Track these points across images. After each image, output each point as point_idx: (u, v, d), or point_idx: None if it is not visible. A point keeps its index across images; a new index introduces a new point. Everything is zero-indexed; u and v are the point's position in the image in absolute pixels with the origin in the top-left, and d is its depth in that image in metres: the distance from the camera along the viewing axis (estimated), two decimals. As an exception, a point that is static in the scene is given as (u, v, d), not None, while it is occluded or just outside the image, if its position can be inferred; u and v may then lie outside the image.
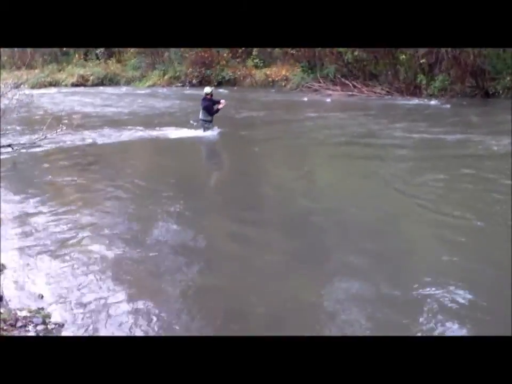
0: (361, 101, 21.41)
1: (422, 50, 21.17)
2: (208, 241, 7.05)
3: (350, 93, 22.71)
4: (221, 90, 28.64)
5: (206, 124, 14.11)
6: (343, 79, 23.94)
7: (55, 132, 8.04)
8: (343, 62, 25.05)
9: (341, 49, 24.08)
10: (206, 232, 7.29)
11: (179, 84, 33.30)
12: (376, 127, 14.70)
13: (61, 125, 8.49)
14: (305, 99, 22.76)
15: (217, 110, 14.03)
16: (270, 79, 30.46)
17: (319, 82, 25.23)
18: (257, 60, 31.79)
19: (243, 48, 32.32)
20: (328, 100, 22.18)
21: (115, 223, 7.69)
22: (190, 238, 7.04)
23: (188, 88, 31.75)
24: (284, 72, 30.20)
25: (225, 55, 32.53)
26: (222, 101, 14.07)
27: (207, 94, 14.01)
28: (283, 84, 29.39)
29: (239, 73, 31.80)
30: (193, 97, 25.95)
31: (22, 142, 7.58)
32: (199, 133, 14.25)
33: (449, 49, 20.50)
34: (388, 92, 22.60)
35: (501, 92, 20.22)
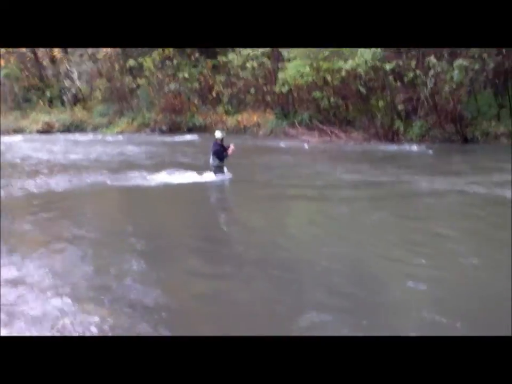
0: (339, 147, 21.02)
1: (399, 97, 21.09)
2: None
3: (328, 138, 22.34)
4: (189, 136, 28.18)
5: (216, 168, 13.65)
6: (320, 125, 23.60)
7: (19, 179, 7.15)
8: (318, 108, 24.85)
9: (317, 96, 23.85)
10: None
11: (148, 131, 32.64)
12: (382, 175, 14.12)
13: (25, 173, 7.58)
14: (282, 145, 22.27)
15: (227, 155, 13.64)
16: (241, 125, 30.14)
17: (294, 128, 24.85)
18: (228, 106, 31.46)
19: (214, 95, 32.10)
20: (305, 145, 21.72)
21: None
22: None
23: (157, 134, 31.09)
24: (255, 119, 29.94)
25: (195, 102, 32.12)
26: (231, 146, 13.68)
27: (217, 139, 13.65)
28: (255, 130, 29.08)
29: (210, 119, 31.37)
30: (166, 144, 25.41)
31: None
32: (210, 177, 13.72)
33: (427, 95, 20.47)
34: (365, 137, 22.33)
35: (479, 137, 20.23)
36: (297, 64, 23.58)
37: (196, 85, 32.34)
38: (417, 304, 5.55)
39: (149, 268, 7.01)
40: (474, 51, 19.46)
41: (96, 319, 5.30)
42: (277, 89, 25.47)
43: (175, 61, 32.78)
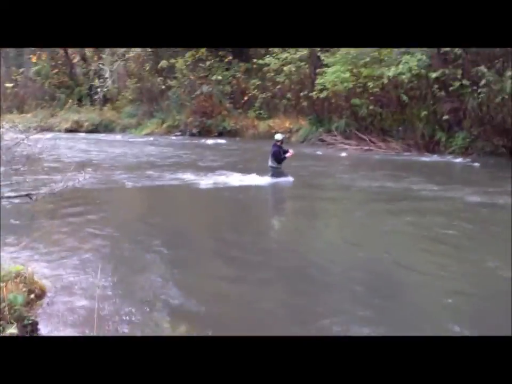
0: (379, 157, 20.23)
1: (443, 107, 20.24)
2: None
3: (367, 147, 21.57)
4: (222, 141, 27.56)
5: (274, 170, 13.79)
6: (358, 134, 22.82)
7: (77, 180, 6.60)
8: (355, 116, 24.11)
9: (356, 103, 23.09)
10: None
11: (178, 133, 32.13)
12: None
13: (84, 173, 7.07)
14: (319, 152, 21.55)
15: (285, 158, 13.75)
16: (273, 130, 29.48)
17: (331, 135, 24.09)
18: (260, 111, 30.84)
19: (246, 99, 31.52)
20: (343, 154, 20.95)
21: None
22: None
23: (187, 137, 30.57)
24: (287, 124, 29.28)
25: (227, 105, 31.55)
26: (290, 150, 13.92)
27: (277, 141, 13.81)
28: (287, 136, 28.41)
29: (241, 124, 30.77)
30: (202, 146, 24.95)
31: (41, 192, 6.12)
32: (267, 179, 13.80)
33: (474, 106, 19.61)
34: (404, 148, 21.53)
35: (527, 152, 19.31)
36: (337, 70, 22.86)
37: (228, 88, 31.80)
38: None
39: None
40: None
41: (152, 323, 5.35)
42: (314, 94, 24.71)
43: (207, 63, 32.31)
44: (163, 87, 34.67)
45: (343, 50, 23.29)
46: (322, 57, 25.01)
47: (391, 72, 20.85)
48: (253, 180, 13.87)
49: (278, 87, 28.64)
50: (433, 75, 20.00)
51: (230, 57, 32.46)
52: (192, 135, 31.08)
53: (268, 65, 28.42)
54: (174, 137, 31.14)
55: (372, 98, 22.70)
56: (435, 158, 19.50)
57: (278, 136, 13.97)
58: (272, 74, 28.72)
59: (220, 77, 31.42)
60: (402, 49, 21.54)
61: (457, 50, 19.95)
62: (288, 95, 28.43)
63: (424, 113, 21.10)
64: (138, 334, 5.05)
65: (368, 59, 22.49)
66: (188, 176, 14.84)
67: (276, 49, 28.13)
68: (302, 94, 27.04)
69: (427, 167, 17.35)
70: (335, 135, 23.52)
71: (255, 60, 30.13)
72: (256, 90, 30.33)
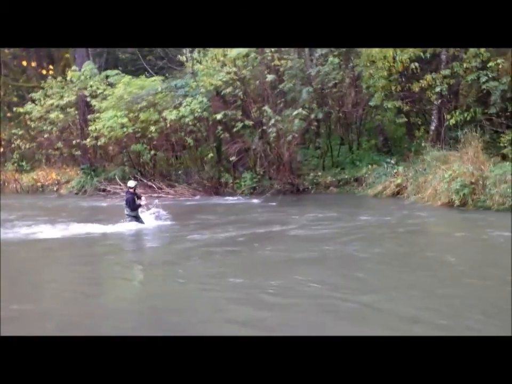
0: (174, 203, 19.20)
1: (233, 147, 20.12)
2: None
3: (156, 194, 20.38)
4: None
5: (131, 218, 13.30)
6: (145, 181, 21.52)
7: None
8: (134, 162, 22.86)
9: (137, 148, 21.87)
10: None
11: None
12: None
13: None
14: (104, 204, 19.76)
15: (139, 205, 13.45)
16: (38, 183, 26.78)
17: (113, 184, 22.41)
18: (22, 163, 27.83)
19: (1, 150, 28.23)
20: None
21: None
22: None
23: None
24: (53, 176, 26.85)
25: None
26: (143, 197, 13.93)
27: (130, 187, 13.61)
28: (54, 189, 25.97)
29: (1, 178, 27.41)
30: None
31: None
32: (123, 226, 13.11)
33: (259, 145, 19.85)
34: (193, 192, 20.91)
35: (310, 187, 20.06)
36: (114, 115, 21.39)
37: (-20, 139, 28.12)
38: None
39: None
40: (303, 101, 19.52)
41: None
42: (88, 142, 22.83)
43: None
44: None
45: (117, 94, 22.01)
46: (92, 102, 23.35)
47: (173, 115, 20.13)
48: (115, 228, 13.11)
49: (45, 136, 26.01)
50: (218, 116, 19.77)
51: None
52: None
53: (29, 113, 25.67)
54: None
55: (154, 143, 21.73)
56: (229, 199, 19.16)
57: (131, 183, 13.86)
58: (35, 122, 25.99)
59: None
60: (180, 93, 21.13)
61: (238, 92, 20.11)
62: (59, 144, 26.00)
63: (210, 155, 20.74)
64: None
65: (144, 103, 21.51)
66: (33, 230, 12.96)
67: (37, 96, 25.64)
68: (74, 142, 24.91)
69: (227, 208, 16.89)
70: (119, 184, 21.87)
71: (14, 109, 27.04)
72: (18, 140, 27.19)
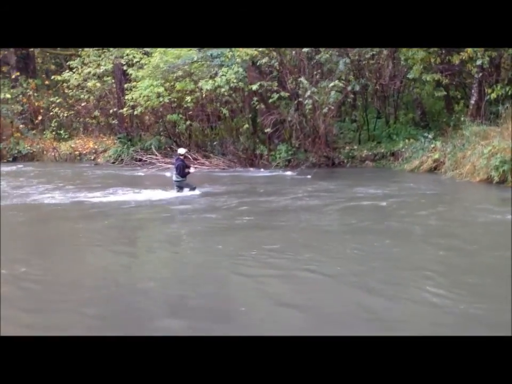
0: (210, 174, 19.28)
1: (268, 119, 20.00)
2: None
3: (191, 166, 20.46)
4: (20, 166, 24.43)
5: (179, 184, 13.76)
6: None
7: None
8: (170, 132, 22.94)
9: (173, 118, 21.93)
10: None
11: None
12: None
13: None
14: (141, 174, 19.95)
15: (188, 172, 13.84)
16: (76, 152, 27.10)
17: (149, 154, 22.56)
18: (60, 132, 28.17)
19: (39, 119, 28.62)
20: (168, 174, 19.61)
21: None
22: None
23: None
24: (91, 145, 27.14)
25: (21, 126, 28.24)
26: (192, 167, 14.81)
27: (180, 155, 14.05)
28: (92, 158, 26.27)
29: (37, 146, 27.77)
30: None
31: None
32: (172, 194, 13.75)
33: (295, 118, 19.70)
34: (228, 163, 20.94)
35: (345, 161, 19.90)
36: (150, 84, 21.41)
37: (19, 107, 28.50)
38: None
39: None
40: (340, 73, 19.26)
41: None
42: (125, 111, 22.97)
43: (-8, 80, 28.70)
44: None
45: (153, 63, 21.99)
46: (129, 71, 23.40)
47: (209, 85, 20.05)
48: (160, 195, 13.75)
49: (83, 104, 26.27)
50: (254, 87, 19.63)
51: (17, 73, 29.17)
52: (-21, 161, 27.26)
53: (67, 81, 25.89)
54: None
55: (190, 113, 21.75)
56: (264, 172, 19.12)
57: (181, 150, 14.36)
58: (72, 91, 26.24)
59: (8, 95, 27.99)
60: (216, 62, 20.99)
61: (274, 62, 19.95)
62: (96, 112, 26.23)
63: (245, 126, 20.70)
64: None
65: (180, 73, 21.45)
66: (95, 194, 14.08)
67: (75, 64, 25.80)
68: (111, 111, 25.09)
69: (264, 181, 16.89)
70: (155, 154, 22.03)
71: (52, 77, 27.29)
72: (57, 109, 27.51)
